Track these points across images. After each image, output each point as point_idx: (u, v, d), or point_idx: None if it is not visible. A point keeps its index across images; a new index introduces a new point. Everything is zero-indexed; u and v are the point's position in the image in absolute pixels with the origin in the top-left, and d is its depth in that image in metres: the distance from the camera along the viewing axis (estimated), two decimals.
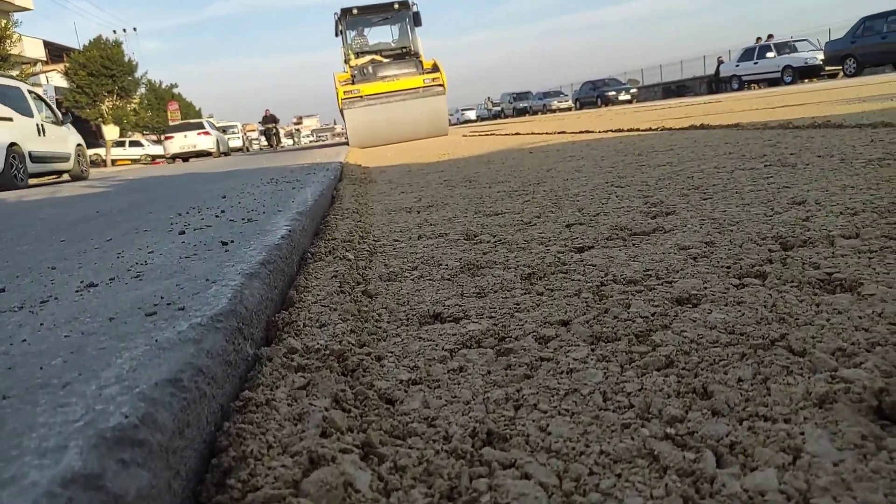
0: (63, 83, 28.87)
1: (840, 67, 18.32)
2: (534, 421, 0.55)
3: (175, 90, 34.87)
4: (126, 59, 27.49)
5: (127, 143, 28.63)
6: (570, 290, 0.93)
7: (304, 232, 1.51)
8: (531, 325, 0.80)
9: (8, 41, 19.38)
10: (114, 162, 27.38)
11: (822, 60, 19.37)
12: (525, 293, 0.95)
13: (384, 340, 0.82)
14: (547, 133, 6.24)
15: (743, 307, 0.76)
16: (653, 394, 0.57)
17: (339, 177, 3.65)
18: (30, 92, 10.07)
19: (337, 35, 14.69)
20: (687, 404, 0.54)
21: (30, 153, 9.28)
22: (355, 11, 14.57)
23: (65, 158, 10.61)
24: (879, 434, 0.46)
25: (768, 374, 0.57)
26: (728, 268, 0.93)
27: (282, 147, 31.40)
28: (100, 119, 26.56)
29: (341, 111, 12.70)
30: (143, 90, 30.86)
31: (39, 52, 30.63)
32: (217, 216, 1.85)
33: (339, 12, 14.67)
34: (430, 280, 1.10)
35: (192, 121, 25.04)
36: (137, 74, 28.01)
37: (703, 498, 0.42)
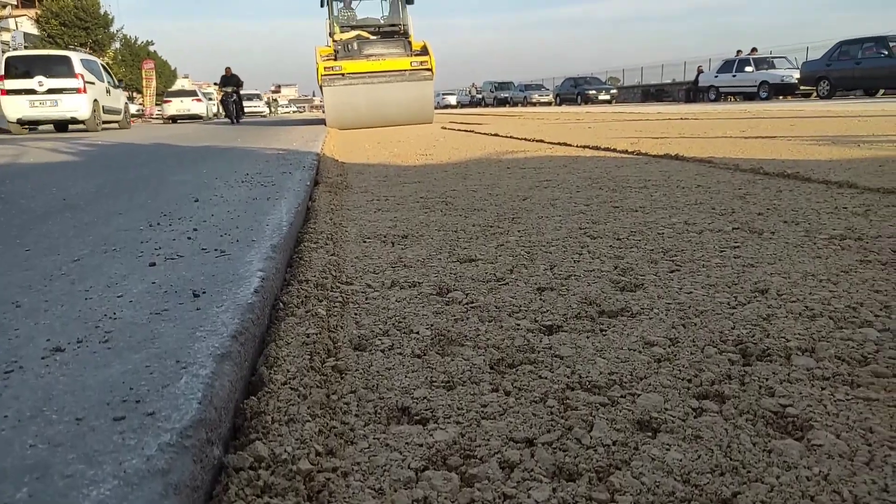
0: (34, 30, 27.87)
1: (814, 88, 18.73)
2: None
3: (151, 48, 33.93)
4: (102, 11, 26.61)
5: None
6: (536, 392, 0.95)
7: (277, 274, 1.50)
8: (496, 442, 0.82)
9: None
10: None
11: (797, 79, 19.76)
12: (493, 389, 0.97)
13: (352, 444, 0.83)
14: (525, 140, 6.26)
15: (699, 445, 0.79)
16: None
17: (314, 178, 3.62)
18: (102, 64, 15.55)
19: (322, 5, 13.89)
20: None
21: (103, 107, 14.39)
22: None
23: (119, 112, 15.77)
24: None
25: None
26: (689, 381, 0.96)
27: (263, 116, 30.79)
28: None
29: (321, 87, 12.10)
30: (117, 45, 29.95)
31: None
32: (189, 237, 1.82)
33: None
34: (400, 355, 1.12)
35: (187, 88, 27.06)
36: (113, 29, 27.16)
37: None
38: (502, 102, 34.88)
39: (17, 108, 13.26)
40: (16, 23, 30.25)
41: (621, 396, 0.93)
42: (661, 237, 1.91)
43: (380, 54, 12.35)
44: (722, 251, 1.71)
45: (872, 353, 1.03)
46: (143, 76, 27.14)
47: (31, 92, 13.09)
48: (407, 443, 0.83)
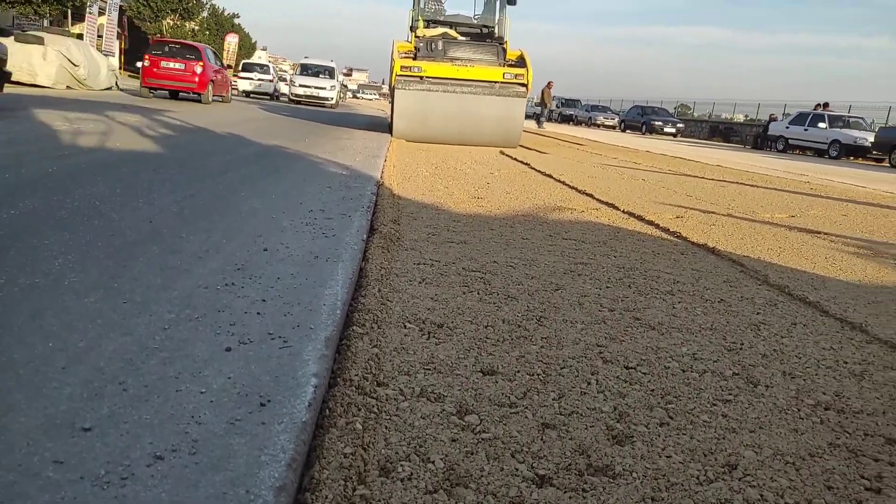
0: None
1: (887, 155, 18.25)
2: None
3: (236, 20, 35.05)
4: None
5: None
6: None
7: (327, 371, 1.80)
8: None
9: None
10: None
11: (870, 143, 19.28)
12: None
13: None
14: (576, 191, 6.46)
15: None
16: None
17: (371, 223, 3.92)
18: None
19: None
20: None
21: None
22: None
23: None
24: None
25: None
26: None
27: (331, 107, 26.16)
28: (158, 34, 26.91)
29: (392, 89, 11.05)
30: (205, 14, 31.09)
31: None
32: (259, 312, 2.14)
33: None
34: (416, 489, 1.39)
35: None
36: None
37: None
38: (567, 119, 34.89)
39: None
40: None
41: None
42: (667, 373, 2.13)
43: (468, 59, 10.63)
44: (714, 405, 1.92)
45: None
46: (224, 47, 28.20)
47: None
48: None
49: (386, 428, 1.62)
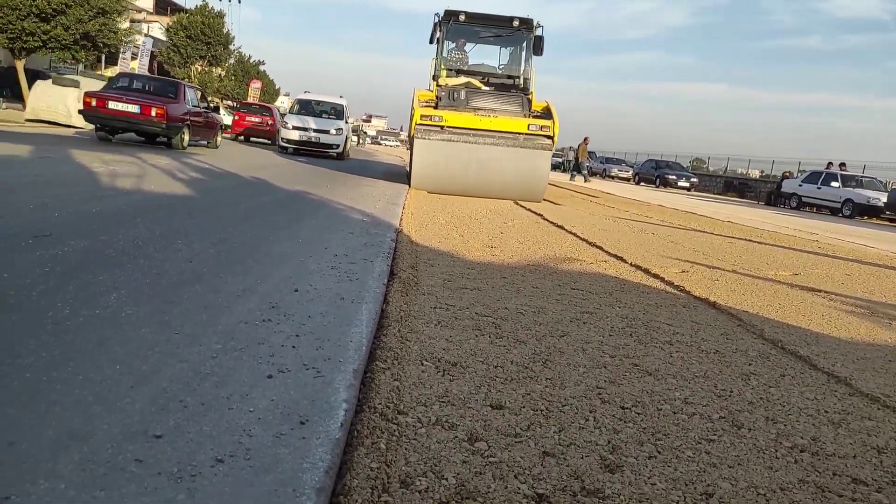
0: (162, 37, 30.42)
1: None
2: None
3: (261, 67, 36.40)
4: (225, 30, 28.91)
5: None
6: None
7: (355, 398, 2.05)
8: None
9: None
10: None
11: (883, 203, 19.45)
12: None
13: None
14: (586, 242, 6.73)
15: None
16: None
17: (391, 268, 4.20)
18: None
19: (432, 42, 12.05)
20: None
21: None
22: (462, 17, 11.52)
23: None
24: None
25: None
26: None
27: (335, 155, 19.01)
28: (186, 80, 28.04)
29: (411, 139, 10.86)
30: (232, 61, 32.38)
31: (148, 4, 32.46)
32: (294, 346, 2.40)
33: (440, 14, 11.73)
34: (431, 499, 1.62)
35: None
36: (231, 47, 29.48)
37: None
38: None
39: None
40: (147, 27, 33.10)
41: None
42: (658, 414, 2.35)
43: (491, 109, 10.30)
44: (698, 443, 2.14)
45: None
46: (249, 95, 29.30)
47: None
48: None
49: (406, 449, 1.86)
